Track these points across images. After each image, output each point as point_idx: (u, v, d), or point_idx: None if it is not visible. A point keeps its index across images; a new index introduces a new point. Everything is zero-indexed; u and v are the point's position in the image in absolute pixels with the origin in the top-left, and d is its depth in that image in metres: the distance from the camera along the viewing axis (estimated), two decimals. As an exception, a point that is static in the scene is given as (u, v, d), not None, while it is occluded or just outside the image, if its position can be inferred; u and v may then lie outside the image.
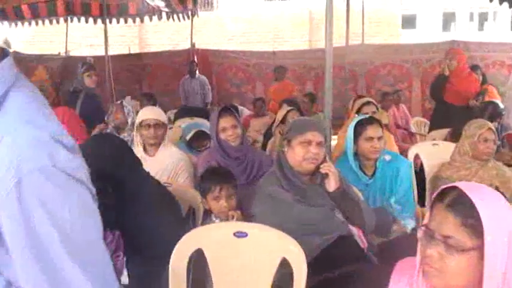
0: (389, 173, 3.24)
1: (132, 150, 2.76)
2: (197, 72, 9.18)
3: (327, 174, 2.63)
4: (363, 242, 2.61)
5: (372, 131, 3.15)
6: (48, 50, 12.80)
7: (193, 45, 10.28)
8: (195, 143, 4.36)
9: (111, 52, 11.52)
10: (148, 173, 2.73)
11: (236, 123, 3.33)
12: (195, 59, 10.07)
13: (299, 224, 2.49)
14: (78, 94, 5.40)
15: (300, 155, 2.59)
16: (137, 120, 3.68)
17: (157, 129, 3.58)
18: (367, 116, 3.38)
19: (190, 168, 3.64)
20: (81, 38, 13.93)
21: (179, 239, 2.60)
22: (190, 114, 6.98)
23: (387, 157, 3.28)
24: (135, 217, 2.51)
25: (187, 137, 4.32)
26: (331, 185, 2.62)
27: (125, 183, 2.56)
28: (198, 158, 3.55)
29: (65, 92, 10.20)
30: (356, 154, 3.26)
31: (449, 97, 6.23)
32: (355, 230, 2.63)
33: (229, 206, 2.67)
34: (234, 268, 2.15)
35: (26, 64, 9.90)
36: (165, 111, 7.85)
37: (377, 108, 4.96)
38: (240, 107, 8.10)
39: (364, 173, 3.25)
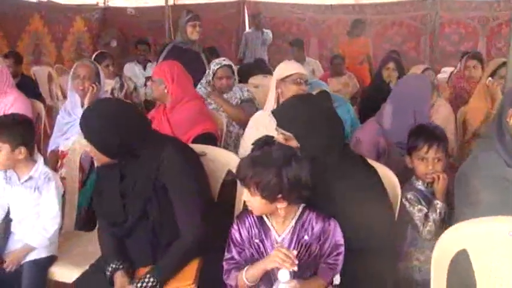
0: None
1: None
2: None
3: None
4: None
5: None
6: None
7: (243, -4, 9.59)
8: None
9: (145, 4, 10.87)
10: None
11: None
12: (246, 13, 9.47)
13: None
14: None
15: None
16: (283, 73, 3.15)
17: (306, 86, 3.13)
18: None
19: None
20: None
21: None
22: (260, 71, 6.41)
23: None
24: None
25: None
26: None
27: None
28: (360, 131, 2.98)
29: (105, 45, 9.64)
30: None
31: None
32: None
33: (434, 169, 2.42)
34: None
35: (64, 15, 9.28)
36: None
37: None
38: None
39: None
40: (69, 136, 3.67)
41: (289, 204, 1.82)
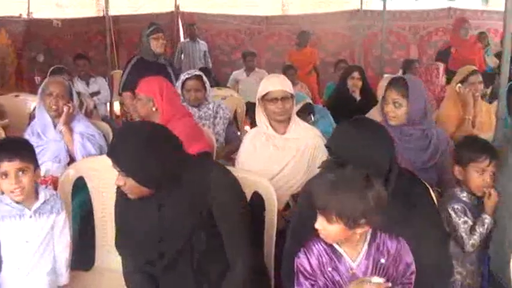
0: None
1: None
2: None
3: None
4: None
5: None
6: (9, 11, 11.24)
7: (177, 7, 9.35)
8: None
9: (72, 15, 10.35)
10: None
11: None
12: (180, 24, 9.27)
13: None
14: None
15: None
16: (260, 93, 3.04)
17: (286, 103, 2.98)
18: None
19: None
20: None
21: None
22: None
23: None
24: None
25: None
26: None
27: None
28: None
29: (31, 60, 9.10)
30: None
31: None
32: None
33: (489, 183, 2.42)
34: None
35: (-12, 28, 8.64)
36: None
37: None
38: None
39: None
40: (40, 162, 3.36)
41: (370, 228, 1.72)
